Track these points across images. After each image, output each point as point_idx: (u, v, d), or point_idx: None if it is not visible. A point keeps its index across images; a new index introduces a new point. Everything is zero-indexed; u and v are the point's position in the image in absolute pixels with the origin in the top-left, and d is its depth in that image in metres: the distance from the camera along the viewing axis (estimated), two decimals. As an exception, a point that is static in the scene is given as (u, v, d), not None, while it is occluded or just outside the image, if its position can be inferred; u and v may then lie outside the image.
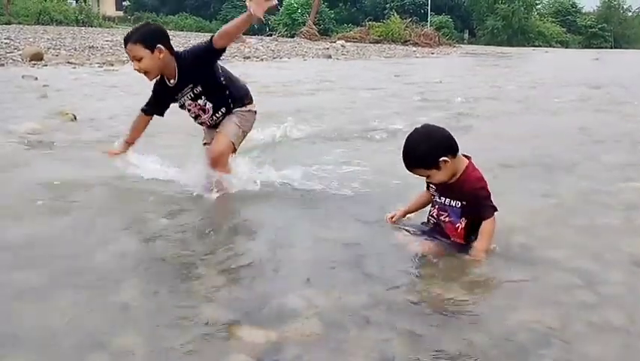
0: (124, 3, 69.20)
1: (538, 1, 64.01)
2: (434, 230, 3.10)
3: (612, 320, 2.39)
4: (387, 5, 57.08)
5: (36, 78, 10.26)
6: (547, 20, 62.07)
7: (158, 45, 3.50)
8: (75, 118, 6.28)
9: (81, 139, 5.26)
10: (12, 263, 2.70)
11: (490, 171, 4.23)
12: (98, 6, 62.30)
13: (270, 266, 2.80)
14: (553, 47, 56.17)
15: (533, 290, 2.67)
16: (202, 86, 3.67)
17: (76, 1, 56.67)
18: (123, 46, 3.58)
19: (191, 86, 3.66)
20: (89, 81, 10.63)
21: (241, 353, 2.04)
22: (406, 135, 2.95)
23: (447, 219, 3.02)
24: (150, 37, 3.52)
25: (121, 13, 66.63)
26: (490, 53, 34.95)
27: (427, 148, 2.86)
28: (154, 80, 3.69)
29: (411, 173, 2.95)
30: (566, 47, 57.04)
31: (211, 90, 3.71)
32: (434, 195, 3.07)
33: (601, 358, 2.14)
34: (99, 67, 13.68)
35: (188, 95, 3.70)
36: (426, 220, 3.18)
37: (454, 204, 2.98)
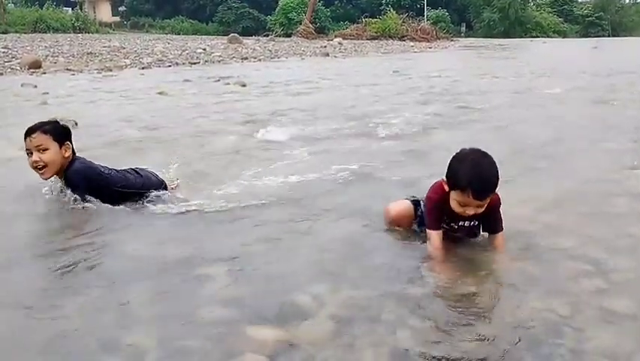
0: (120, 9, 69.18)
1: (534, -8, 63.94)
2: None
3: (623, 306, 2.39)
4: (383, 1, 56.98)
5: (35, 86, 10.26)
6: (544, 11, 61.97)
7: (67, 142, 3.37)
8: (76, 124, 6.26)
9: (85, 145, 5.24)
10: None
11: (502, 162, 4.25)
12: (94, 12, 62.32)
13: (278, 265, 2.79)
14: (551, 37, 56.10)
15: (543, 279, 2.66)
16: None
17: (73, 9, 56.65)
18: (25, 137, 3.30)
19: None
20: (89, 87, 10.62)
21: (253, 352, 2.03)
22: (475, 161, 2.69)
23: (460, 234, 2.97)
24: (61, 132, 3.38)
25: (117, 19, 66.60)
26: (488, 45, 34.87)
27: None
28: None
29: (478, 201, 2.69)
30: (564, 37, 56.95)
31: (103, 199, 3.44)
32: (444, 225, 2.93)
33: (613, 345, 2.13)
34: (98, 73, 13.67)
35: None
36: None
37: (468, 225, 2.91)
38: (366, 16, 46.34)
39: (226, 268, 2.71)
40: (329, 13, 56.67)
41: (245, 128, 6.34)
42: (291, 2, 53.03)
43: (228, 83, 11.43)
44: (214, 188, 3.93)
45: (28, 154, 3.33)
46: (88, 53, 19.40)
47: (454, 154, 2.76)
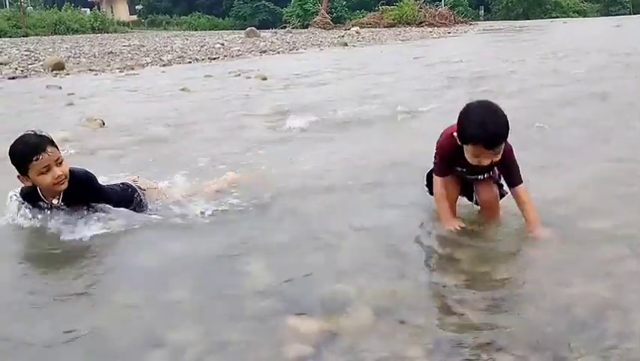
0: (137, 7, 69.64)
1: (552, -28, 62.78)
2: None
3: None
4: (400, -12, 56.47)
5: (60, 87, 10.38)
6: (563, -10, 60.80)
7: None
8: (104, 124, 6.35)
9: (115, 144, 5.32)
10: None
11: (526, 145, 4.22)
12: (112, 12, 62.81)
13: (316, 256, 2.80)
14: (571, 17, 55.09)
15: (583, 263, 2.64)
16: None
17: (91, 9, 57.18)
18: (37, 155, 2.92)
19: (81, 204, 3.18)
20: (112, 87, 10.74)
21: (298, 342, 2.05)
22: (483, 113, 2.72)
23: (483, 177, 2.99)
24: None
25: (135, 17, 67.05)
26: (508, 27, 34.40)
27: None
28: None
29: (491, 150, 2.70)
30: (584, 17, 55.89)
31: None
32: (462, 175, 2.98)
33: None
34: (120, 72, 13.79)
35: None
36: None
37: (486, 176, 2.94)
38: (383, 4, 45.98)
39: (265, 261, 2.72)
40: (345, 3, 56.32)
41: (271, 121, 6.36)
42: (307, -7, 52.85)
43: (249, 77, 11.44)
44: (248, 181, 3.94)
45: (41, 173, 2.96)
46: (109, 53, 19.57)
47: (462, 109, 2.78)
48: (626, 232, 2.91)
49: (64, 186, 3.03)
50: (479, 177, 2.96)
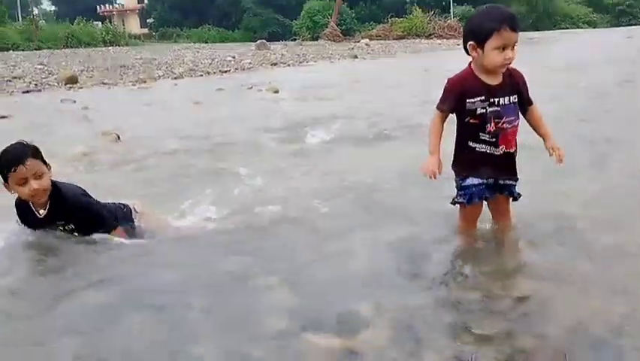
0: (148, 20, 70.32)
1: (561, -17, 62.85)
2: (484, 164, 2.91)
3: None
4: (408, 0, 56.71)
5: (74, 101, 10.49)
6: (573, 1, 60.91)
7: (48, 164, 3.06)
8: (119, 138, 6.42)
9: (131, 158, 5.39)
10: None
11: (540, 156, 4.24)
12: (124, 25, 63.41)
13: (332, 273, 2.82)
14: (581, 28, 55.05)
15: (600, 278, 2.65)
16: (75, 224, 3.15)
17: (102, 22, 57.76)
18: (14, 167, 2.90)
19: (62, 223, 3.13)
20: (126, 100, 10.86)
21: (318, 360, 2.07)
22: (489, 6, 2.82)
23: (508, 124, 2.85)
24: (41, 154, 3.03)
25: (146, 30, 67.73)
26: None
27: None
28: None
29: (515, 33, 2.71)
30: (594, 27, 55.83)
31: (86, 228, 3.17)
32: (483, 110, 2.82)
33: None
34: (132, 85, 13.92)
35: (55, 230, 3.17)
36: (465, 150, 2.93)
37: (509, 101, 2.85)
38: (392, 16, 46.16)
39: (282, 277, 2.73)
40: (354, 15, 56.59)
41: (284, 135, 6.41)
42: (316, 5, 53.13)
43: (261, 90, 11.52)
44: (262, 196, 3.98)
45: (18, 185, 2.95)
46: (121, 66, 19.74)
47: (466, 21, 2.90)
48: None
49: (42, 199, 3.02)
50: (503, 100, 2.83)
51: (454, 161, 3.00)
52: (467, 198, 2.96)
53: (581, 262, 2.80)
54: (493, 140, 2.85)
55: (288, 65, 20.15)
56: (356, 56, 24.09)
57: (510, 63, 2.75)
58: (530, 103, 2.96)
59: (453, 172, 3.01)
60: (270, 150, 5.67)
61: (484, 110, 2.81)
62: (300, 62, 21.41)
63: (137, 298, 2.65)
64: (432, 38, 39.30)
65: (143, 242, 3.24)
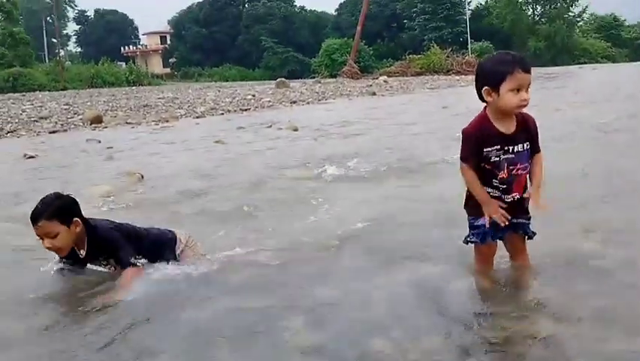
0: (170, 60, 71.88)
1: (579, 19, 63.22)
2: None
3: None
4: (426, 37, 57.38)
5: (99, 141, 10.72)
6: (591, 36, 61.10)
7: (75, 219, 3.20)
8: (143, 177, 6.54)
9: (154, 198, 5.48)
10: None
11: (558, 191, 4.25)
12: (146, 65, 64.89)
13: (353, 312, 2.83)
14: (600, 62, 55.05)
15: (623, 316, 2.62)
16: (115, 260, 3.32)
17: (126, 63, 59.19)
18: (32, 224, 3.16)
19: (102, 258, 3.35)
20: (149, 140, 11.05)
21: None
22: (499, 53, 2.95)
23: (522, 170, 2.90)
24: (66, 211, 3.19)
25: (168, 70, 69.20)
26: (536, 75, 34.27)
27: None
28: None
29: (527, 74, 2.77)
30: (613, 62, 55.78)
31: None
32: (497, 158, 2.86)
33: None
34: (155, 124, 14.19)
35: (99, 265, 3.40)
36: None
37: (522, 148, 2.88)
38: (410, 53, 46.70)
39: (304, 317, 2.76)
40: (372, 52, 57.40)
41: (303, 173, 6.47)
42: (334, 44, 54.03)
43: (281, 128, 11.67)
44: (283, 234, 4.03)
45: (39, 239, 3.21)
46: (144, 106, 20.16)
47: (477, 66, 2.91)
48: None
49: (62, 253, 3.27)
50: (518, 147, 2.86)
51: (466, 202, 3.04)
52: (480, 238, 2.98)
53: (602, 301, 2.78)
54: (505, 186, 2.89)
55: (307, 103, 20.40)
56: (374, 93, 24.34)
57: (526, 104, 2.79)
58: (538, 151, 2.98)
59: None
60: (290, 188, 5.72)
61: (498, 158, 2.86)
62: (319, 100, 21.66)
63: (159, 337, 2.68)
64: (450, 74, 39.62)
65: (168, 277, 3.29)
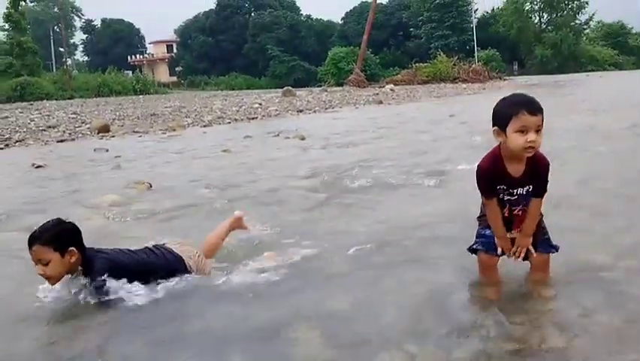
0: (177, 69, 72.29)
1: (585, 26, 63.21)
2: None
3: None
4: (432, 45, 57.48)
5: (107, 150, 10.75)
6: (598, 44, 61.05)
7: (71, 248, 3.11)
8: (151, 186, 6.54)
9: (161, 208, 5.47)
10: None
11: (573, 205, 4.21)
12: (153, 74, 65.24)
13: (364, 323, 2.81)
14: (607, 70, 54.96)
15: (634, 329, 2.60)
16: None
17: (133, 72, 59.52)
18: (28, 247, 3.10)
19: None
20: (157, 149, 11.07)
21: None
22: (512, 95, 2.95)
23: (521, 212, 2.98)
24: (62, 239, 3.11)
25: (175, 79, 69.60)
26: (543, 82, 34.42)
27: None
28: None
29: (534, 117, 2.78)
30: (620, 70, 55.68)
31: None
32: (501, 195, 2.96)
33: None
34: (162, 133, 14.22)
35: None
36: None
37: (524, 192, 2.94)
38: (416, 61, 46.80)
39: (315, 328, 2.74)
40: (378, 60, 57.55)
41: (311, 182, 6.45)
42: (340, 52, 54.20)
43: (288, 137, 11.66)
44: (294, 245, 4.00)
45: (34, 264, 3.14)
46: (151, 115, 20.24)
47: (494, 109, 2.93)
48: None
49: (51, 283, 3.14)
50: (520, 190, 2.93)
51: (480, 215, 3.12)
52: (486, 245, 3.06)
53: (613, 313, 2.75)
54: (508, 223, 3.01)
55: (314, 112, 20.43)
56: (381, 102, 24.37)
57: (534, 147, 2.80)
58: (539, 195, 2.98)
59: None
60: (297, 198, 5.71)
61: (502, 196, 2.97)
62: (326, 109, 21.70)
63: (169, 348, 2.67)
64: (457, 82, 39.67)
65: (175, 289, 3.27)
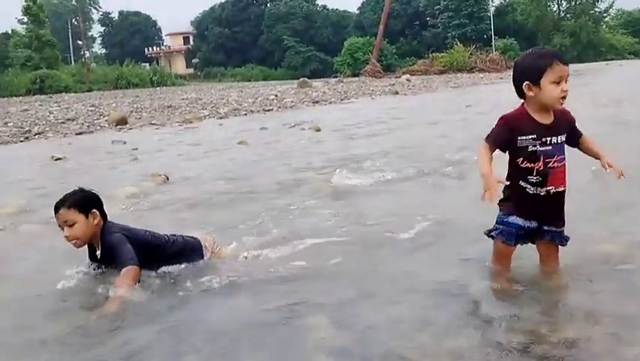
0: (193, 61, 72.49)
1: (605, 14, 62.27)
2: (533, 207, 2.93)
3: None
4: (449, 34, 56.98)
5: (124, 142, 10.86)
6: (618, 32, 60.10)
7: (93, 210, 3.31)
8: (167, 179, 6.61)
9: (179, 199, 5.53)
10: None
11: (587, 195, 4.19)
12: (170, 66, 65.53)
13: (376, 315, 2.83)
14: (627, 58, 54.12)
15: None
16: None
17: (150, 64, 59.83)
18: (54, 213, 3.33)
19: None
20: (173, 141, 11.16)
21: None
22: (536, 48, 3.06)
23: (558, 162, 2.88)
24: (85, 202, 3.32)
25: (191, 71, 69.85)
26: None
27: None
28: None
29: (563, 69, 2.79)
30: (640, 58, 54.82)
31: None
32: (533, 148, 2.85)
33: None
34: (179, 125, 14.31)
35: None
36: (515, 189, 2.92)
37: (559, 140, 2.89)
38: (433, 51, 46.47)
39: (328, 318, 2.77)
40: (394, 50, 57.20)
41: (327, 174, 6.46)
42: (356, 42, 53.95)
43: (304, 129, 11.69)
44: (307, 238, 4.03)
45: (61, 229, 3.36)
46: (168, 107, 20.35)
47: (515, 63, 2.97)
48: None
49: (77, 244, 3.34)
50: (554, 139, 2.86)
51: (502, 200, 2.98)
52: (506, 236, 2.97)
53: (627, 304, 2.75)
54: (540, 180, 2.86)
55: (330, 103, 20.41)
56: (397, 92, 24.27)
57: (566, 96, 2.81)
58: (581, 135, 3.04)
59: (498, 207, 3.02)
60: (316, 189, 5.73)
61: (535, 148, 2.85)
62: (342, 100, 21.66)
63: (182, 337, 2.70)
64: (474, 72, 39.33)
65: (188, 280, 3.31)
